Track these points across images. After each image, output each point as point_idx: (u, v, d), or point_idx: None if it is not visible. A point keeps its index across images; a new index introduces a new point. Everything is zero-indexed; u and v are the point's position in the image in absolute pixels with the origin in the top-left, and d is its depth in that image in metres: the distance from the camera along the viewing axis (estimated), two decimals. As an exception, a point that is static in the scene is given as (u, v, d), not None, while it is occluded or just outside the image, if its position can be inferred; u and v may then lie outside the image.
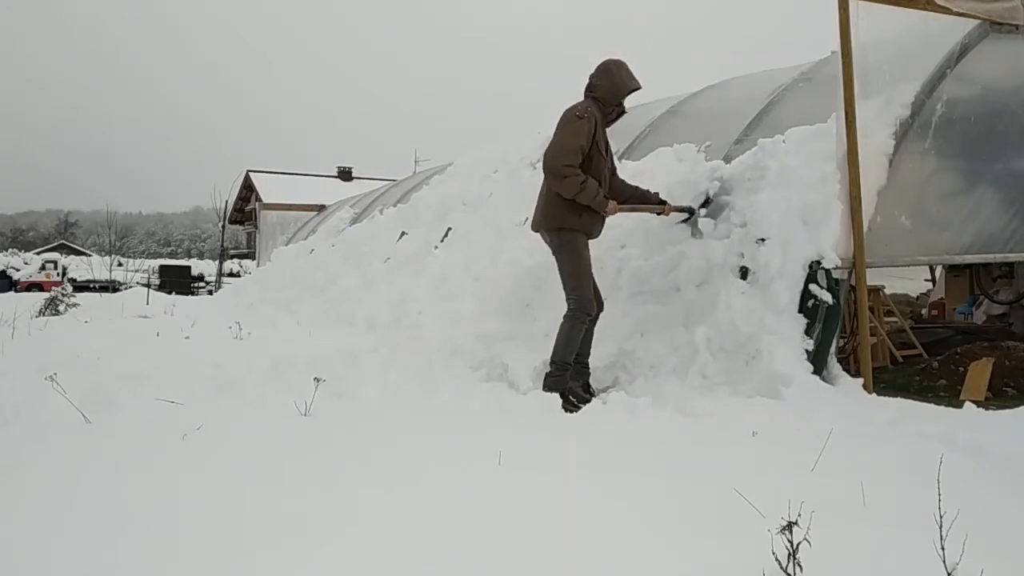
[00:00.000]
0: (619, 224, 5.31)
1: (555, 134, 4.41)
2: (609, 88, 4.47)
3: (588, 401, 4.14)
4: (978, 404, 3.79)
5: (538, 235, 4.72)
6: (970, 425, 3.27)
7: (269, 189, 29.57)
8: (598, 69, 4.54)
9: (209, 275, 32.36)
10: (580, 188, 4.27)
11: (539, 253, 4.89)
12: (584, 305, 4.37)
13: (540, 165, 4.58)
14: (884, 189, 4.57)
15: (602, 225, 4.62)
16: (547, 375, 4.34)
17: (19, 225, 77.79)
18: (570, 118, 4.38)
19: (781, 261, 4.27)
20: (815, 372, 4.01)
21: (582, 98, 4.53)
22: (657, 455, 2.86)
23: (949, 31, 4.92)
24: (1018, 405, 3.70)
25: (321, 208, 18.68)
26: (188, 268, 33.82)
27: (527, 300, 5.57)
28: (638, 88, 4.55)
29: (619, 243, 5.41)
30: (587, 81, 4.56)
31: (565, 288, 4.44)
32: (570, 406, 4.04)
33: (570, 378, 4.37)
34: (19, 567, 1.78)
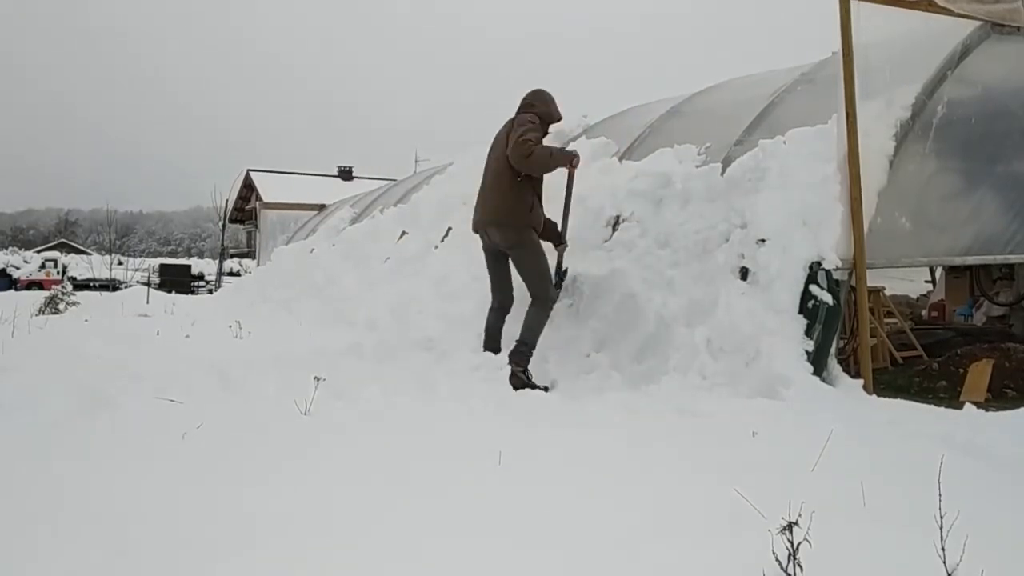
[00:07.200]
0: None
1: (512, 135, 4.75)
2: (546, 113, 4.98)
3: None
4: (978, 405, 3.79)
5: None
6: (970, 426, 3.27)
7: (269, 188, 29.57)
8: (538, 93, 5.05)
9: (209, 274, 32.41)
10: (545, 155, 4.73)
11: (539, 253, 4.92)
12: (553, 297, 4.91)
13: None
14: (884, 190, 4.57)
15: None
16: (517, 350, 4.63)
17: (19, 223, 77.87)
18: (523, 120, 4.83)
19: (781, 262, 4.27)
20: (815, 373, 4.01)
21: (521, 113, 4.96)
22: (657, 455, 2.86)
23: (950, 32, 4.92)
24: (1018, 406, 3.69)
25: (321, 208, 18.68)
26: (188, 267, 33.87)
27: (527, 300, 5.57)
28: (560, 121, 5.17)
29: (619, 243, 5.40)
30: (525, 101, 5.03)
31: (533, 285, 4.84)
32: (532, 385, 4.43)
33: None
34: (17, 567, 1.78)
